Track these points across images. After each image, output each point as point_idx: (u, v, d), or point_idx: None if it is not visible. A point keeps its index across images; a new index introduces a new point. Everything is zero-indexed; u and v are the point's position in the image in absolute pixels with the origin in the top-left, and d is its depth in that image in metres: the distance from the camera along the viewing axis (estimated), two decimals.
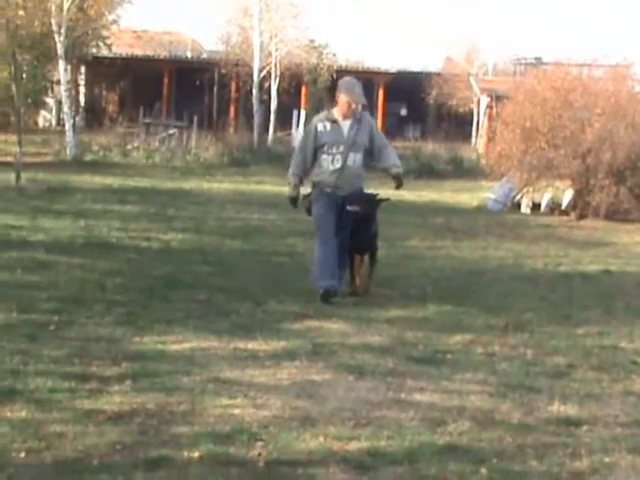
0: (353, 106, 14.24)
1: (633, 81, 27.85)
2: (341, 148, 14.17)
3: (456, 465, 7.85)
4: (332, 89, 42.02)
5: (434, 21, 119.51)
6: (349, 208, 14.17)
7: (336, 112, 14.37)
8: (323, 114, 14.68)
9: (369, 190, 15.00)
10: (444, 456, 8.03)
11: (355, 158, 14.25)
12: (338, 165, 14.18)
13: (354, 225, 14.34)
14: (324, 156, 14.24)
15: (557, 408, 9.53)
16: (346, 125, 14.26)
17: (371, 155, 14.52)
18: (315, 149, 14.30)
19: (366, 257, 14.74)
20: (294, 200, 14.79)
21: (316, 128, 14.33)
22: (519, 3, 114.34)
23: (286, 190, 15.02)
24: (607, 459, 8.20)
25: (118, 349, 10.74)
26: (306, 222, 21.52)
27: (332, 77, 43.33)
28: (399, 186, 14.64)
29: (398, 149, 38.15)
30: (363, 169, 14.55)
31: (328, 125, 14.29)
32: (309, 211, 14.79)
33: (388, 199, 15.18)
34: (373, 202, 14.80)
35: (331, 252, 14.03)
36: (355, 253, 14.66)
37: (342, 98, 14.27)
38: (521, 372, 10.86)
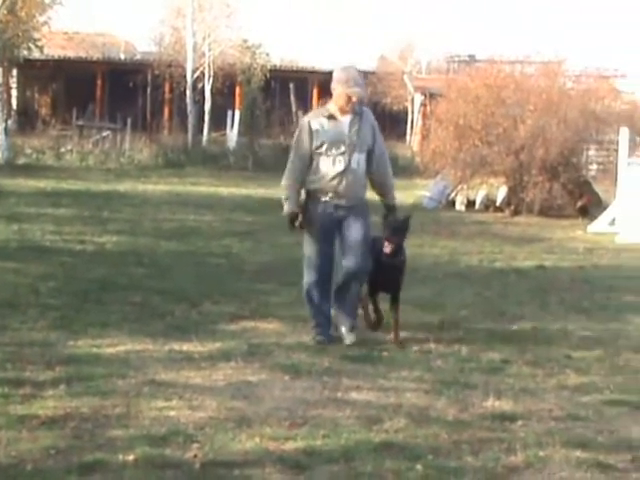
0: (353, 99, 11.97)
1: (564, 77, 28.03)
2: (342, 148, 11.84)
3: (392, 462, 7.92)
4: (266, 89, 42.45)
5: (368, 20, 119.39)
6: (386, 253, 12.09)
7: (332, 107, 12.19)
8: (317, 110, 13.35)
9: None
10: (380, 453, 8.11)
11: (359, 160, 11.97)
12: (340, 168, 11.85)
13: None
14: (322, 158, 11.89)
15: (492, 404, 9.64)
16: (346, 121, 11.99)
17: (369, 162, 12.17)
18: (311, 152, 11.92)
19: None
20: (294, 218, 12.17)
21: (310, 127, 11.97)
22: (452, 1, 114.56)
23: (283, 203, 12.32)
24: (541, 453, 8.32)
25: (52, 353, 10.71)
26: (243, 223, 21.58)
27: (265, 77, 43.45)
28: (389, 218, 12.33)
29: None
30: (366, 177, 12.31)
31: (325, 122, 11.97)
32: (292, 225, 12.20)
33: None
34: (406, 225, 12.40)
35: (327, 297, 12.23)
36: (380, 291, 12.62)
37: (339, 90, 12.04)
38: (456, 369, 10.96)
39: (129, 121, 38.13)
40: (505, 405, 9.64)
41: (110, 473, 7.46)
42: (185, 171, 32.51)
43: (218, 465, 7.74)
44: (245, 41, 45.62)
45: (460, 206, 26.30)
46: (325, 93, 46.10)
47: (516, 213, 25.06)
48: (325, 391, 9.83)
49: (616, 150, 23.40)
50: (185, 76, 42.46)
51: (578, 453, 8.33)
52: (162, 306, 13.33)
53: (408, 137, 42.30)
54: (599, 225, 22.47)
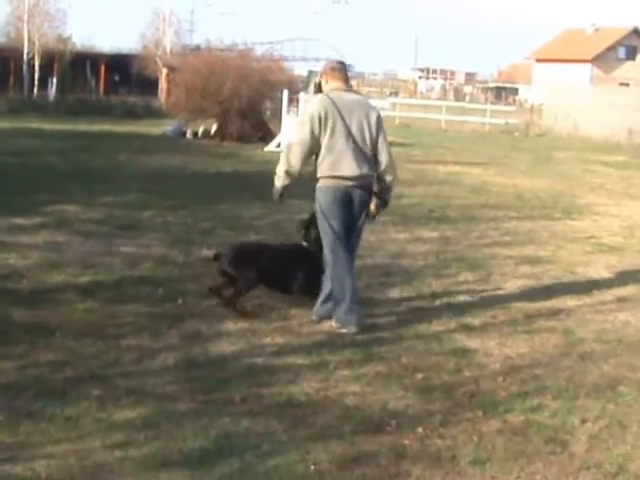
0: None
1: (252, 59, 28.29)
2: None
3: (145, 288, 8.08)
4: (72, 64, 41.48)
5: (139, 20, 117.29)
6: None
7: None
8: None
9: None
10: (137, 283, 8.25)
11: None
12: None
13: None
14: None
15: (205, 252, 9.65)
16: None
17: None
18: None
19: None
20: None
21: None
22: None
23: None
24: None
25: None
26: (58, 146, 21.02)
27: (72, 57, 42.67)
28: None
29: (110, 102, 38.06)
30: None
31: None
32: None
33: None
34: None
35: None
36: None
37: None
38: (183, 231, 11.02)
39: None
40: (212, 253, 9.70)
41: None
42: (22, 115, 31.37)
43: (39, 292, 7.78)
44: (60, 35, 44.76)
45: (189, 136, 26.18)
46: (110, 67, 45.92)
47: (222, 140, 25.11)
48: (104, 246, 9.81)
49: (282, 103, 23.73)
50: (22, 57, 41.26)
51: None
52: (4, 196, 12.84)
53: (159, 95, 41.76)
54: (270, 147, 22.83)
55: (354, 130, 7.15)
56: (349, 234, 7.30)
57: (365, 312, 7.54)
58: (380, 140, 7.27)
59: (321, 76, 7.58)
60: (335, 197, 7.17)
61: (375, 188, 7.37)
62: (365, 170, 7.18)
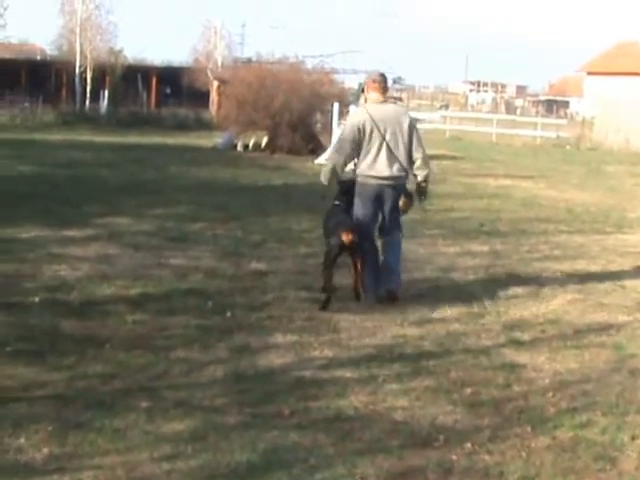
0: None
1: (302, 72, 28.38)
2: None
3: (194, 300, 8.14)
4: (124, 77, 41.84)
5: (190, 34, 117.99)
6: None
7: None
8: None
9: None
10: (186, 295, 8.29)
11: None
12: None
13: None
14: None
15: (255, 265, 9.82)
16: None
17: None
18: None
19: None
20: None
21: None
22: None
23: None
24: (282, 294, 8.60)
25: None
26: (109, 158, 21.24)
27: (124, 70, 43.07)
28: None
29: (161, 114, 38.34)
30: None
31: None
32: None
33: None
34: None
35: None
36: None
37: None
38: (233, 244, 11.04)
39: (41, 97, 36.86)
40: (262, 266, 9.80)
41: (23, 309, 7.54)
42: (74, 127, 31.74)
43: (89, 303, 7.85)
44: (112, 48, 45.15)
45: (240, 149, 26.28)
46: (161, 80, 46.30)
47: (273, 152, 25.19)
48: (154, 258, 9.88)
49: (332, 115, 23.76)
50: (75, 70, 41.69)
51: (304, 294, 8.61)
52: (56, 208, 13.06)
53: (210, 107, 41.93)
54: (321, 159, 22.84)
55: (388, 137, 8.34)
56: (382, 222, 8.57)
57: (414, 326, 7.61)
58: (414, 142, 8.45)
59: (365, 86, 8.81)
60: (367, 192, 8.43)
61: (413, 182, 8.61)
62: (395, 171, 8.39)
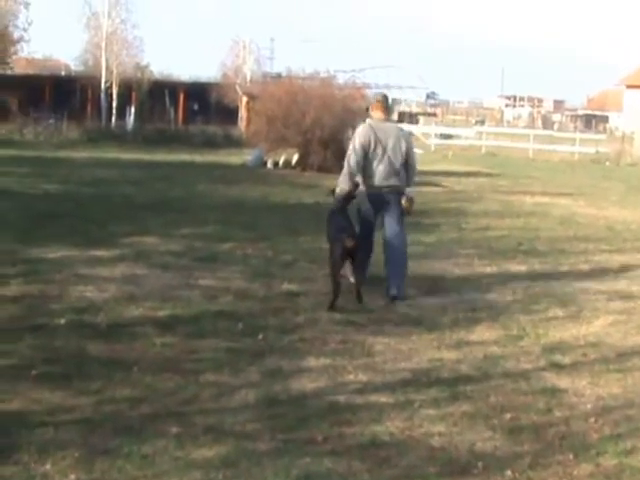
0: None
1: (333, 87, 28.37)
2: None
3: (224, 323, 8.14)
4: (150, 93, 42.10)
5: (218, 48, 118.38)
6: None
7: None
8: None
9: None
10: (216, 317, 8.29)
11: None
12: None
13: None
14: None
15: (286, 286, 9.81)
16: None
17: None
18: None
19: None
20: None
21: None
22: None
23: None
24: (315, 315, 8.59)
25: (15, 257, 10.67)
26: (135, 176, 21.31)
27: (150, 85, 43.34)
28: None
29: (189, 131, 38.53)
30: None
31: None
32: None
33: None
34: None
35: None
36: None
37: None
38: (263, 265, 11.05)
39: (65, 113, 37.13)
40: (293, 287, 9.79)
41: (49, 331, 7.56)
42: (99, 144, 31.94)
43: (117, 325, 7.85)
44: (138, 63, 45.37)
45: (270, 166, 26.31)
46: (188, 95, 46.54)
47: (303, 170, 25.20)
48: (183, 279, 9.89)
49: None
50: (100, 85, 41.95)
51: (337, 315, 8.60)
52: (82, 227, 13.10)
53: (239, 123, 41.99)
54: None
55: (389, 151, 9.67)
56: (387, 224, 9.74)
57: (451, 349, 7.60)
58: (410, 153, 9.81)
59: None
60: (369, 198, 9.74)
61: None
62: (393, 182, 9.70)
